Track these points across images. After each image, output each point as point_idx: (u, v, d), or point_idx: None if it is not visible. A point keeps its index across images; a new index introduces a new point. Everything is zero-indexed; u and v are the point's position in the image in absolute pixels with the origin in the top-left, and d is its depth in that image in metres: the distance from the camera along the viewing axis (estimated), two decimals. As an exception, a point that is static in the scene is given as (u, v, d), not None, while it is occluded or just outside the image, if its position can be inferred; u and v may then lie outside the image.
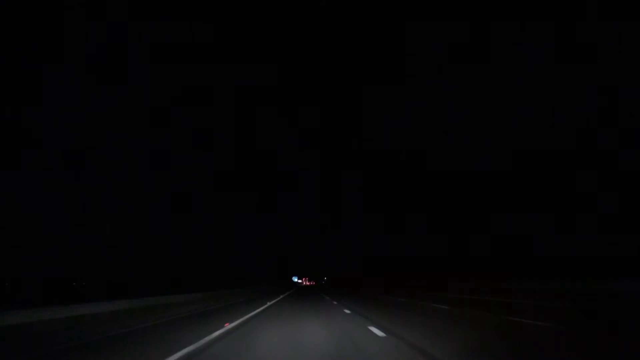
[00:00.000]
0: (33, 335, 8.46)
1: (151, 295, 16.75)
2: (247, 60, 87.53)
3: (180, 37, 65.36)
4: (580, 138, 33.57)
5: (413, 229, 69.63)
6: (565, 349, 6.27)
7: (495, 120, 46.03)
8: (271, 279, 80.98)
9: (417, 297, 22.75)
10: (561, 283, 20.00)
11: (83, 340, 8.26)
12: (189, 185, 66.24)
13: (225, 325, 10.15)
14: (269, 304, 20.00)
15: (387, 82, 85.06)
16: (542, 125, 38.10)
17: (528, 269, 32.12)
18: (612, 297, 14.27)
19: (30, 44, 40.12)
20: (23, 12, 36.90)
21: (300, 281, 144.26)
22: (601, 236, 29.29)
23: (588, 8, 33.99)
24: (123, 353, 6.95)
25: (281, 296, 31.52)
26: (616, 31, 31.09)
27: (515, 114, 43.44)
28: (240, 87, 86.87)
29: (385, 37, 79.63)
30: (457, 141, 55.65)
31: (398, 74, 75.06)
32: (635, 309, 11.74)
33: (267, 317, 12.71)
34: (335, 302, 20.11)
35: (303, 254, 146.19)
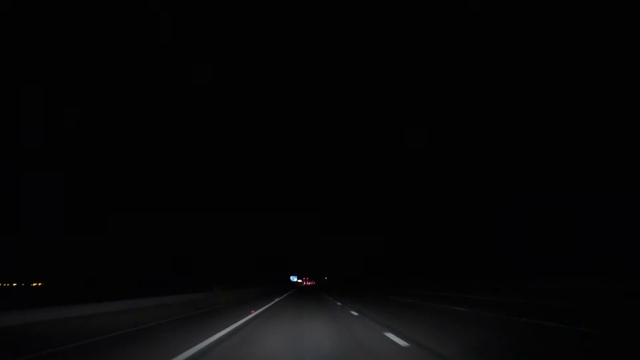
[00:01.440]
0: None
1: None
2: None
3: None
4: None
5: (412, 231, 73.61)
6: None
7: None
8: (270, 279, 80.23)
9: (410, 295, 25.64)
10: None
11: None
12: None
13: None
14: (273, 302, 23.43)
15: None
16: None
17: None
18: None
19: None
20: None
21: (300, 281, 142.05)
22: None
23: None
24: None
25: (284, 295, 34.09)
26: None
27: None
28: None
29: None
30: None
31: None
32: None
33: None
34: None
35: (303, 254, 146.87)
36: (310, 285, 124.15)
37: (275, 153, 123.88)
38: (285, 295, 32.26)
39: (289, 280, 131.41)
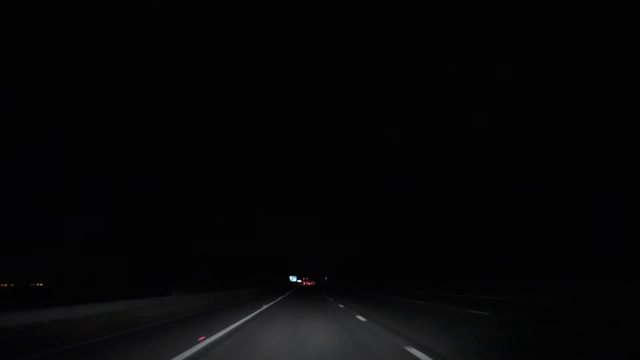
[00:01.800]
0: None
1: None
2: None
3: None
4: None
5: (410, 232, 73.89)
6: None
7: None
8: (270, 279, 79.51)
9: (410, 295, 25.91)
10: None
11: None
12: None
13: None
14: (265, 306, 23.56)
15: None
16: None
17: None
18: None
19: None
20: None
21: (300, 281, 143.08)
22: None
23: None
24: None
25: (279, 298, 32.48)
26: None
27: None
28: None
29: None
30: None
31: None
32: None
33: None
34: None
35: (303, 254, 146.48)
36: (310, 286, 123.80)
37: (274, 153, 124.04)
38: (280, 298, 26.40)
39: (289, 281, 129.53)
